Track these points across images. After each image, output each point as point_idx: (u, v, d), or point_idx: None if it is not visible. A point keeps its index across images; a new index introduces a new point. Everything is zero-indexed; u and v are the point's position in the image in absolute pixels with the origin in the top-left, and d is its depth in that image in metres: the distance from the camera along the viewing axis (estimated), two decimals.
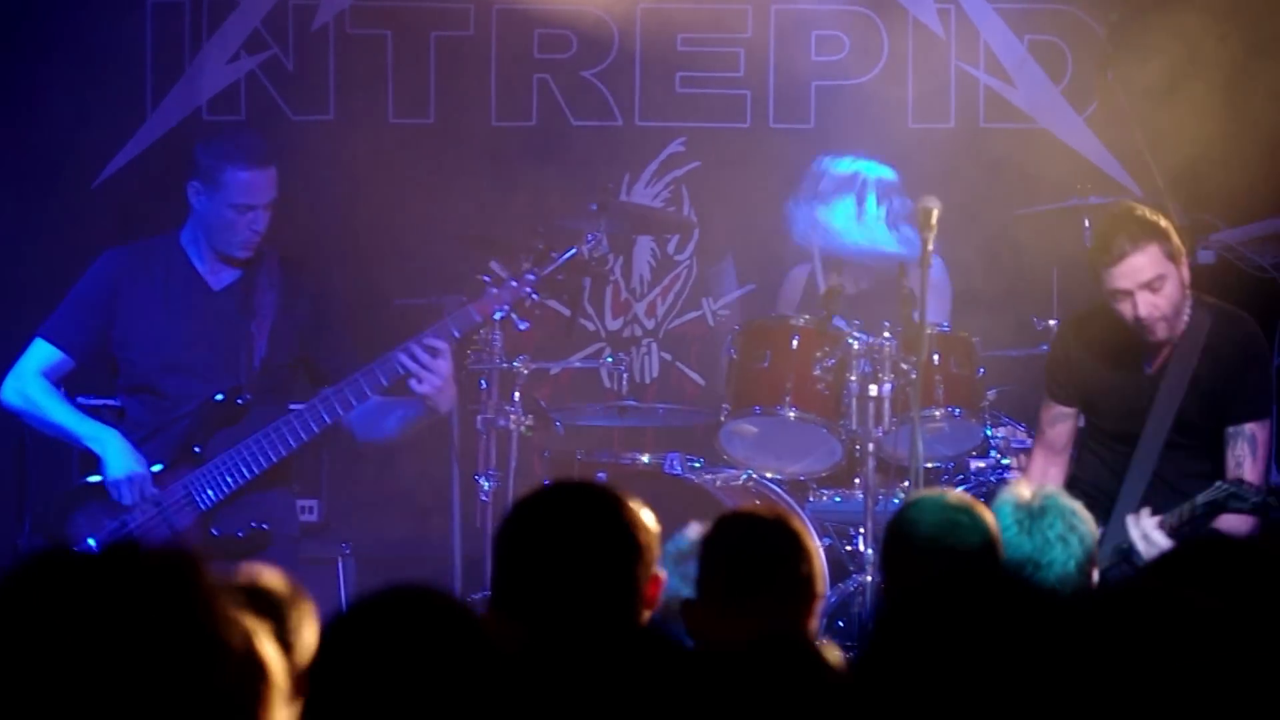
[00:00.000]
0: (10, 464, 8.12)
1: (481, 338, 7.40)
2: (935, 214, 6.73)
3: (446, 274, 8.17)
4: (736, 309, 9.15)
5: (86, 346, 6.67)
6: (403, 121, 9.09)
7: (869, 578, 7.11)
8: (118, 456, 6.50)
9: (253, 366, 6.60)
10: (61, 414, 6.64)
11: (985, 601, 2.50)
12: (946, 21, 9.11)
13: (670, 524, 4.32)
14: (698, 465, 7.66)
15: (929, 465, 7.26)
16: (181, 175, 6.69)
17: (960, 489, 7.15)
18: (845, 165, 8.11)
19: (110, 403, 6.89)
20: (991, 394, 7.60)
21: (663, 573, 3.75)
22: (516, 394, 7.58)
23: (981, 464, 7.68)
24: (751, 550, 4.25)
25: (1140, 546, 6.39)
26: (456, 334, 6.54)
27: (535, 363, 7.78)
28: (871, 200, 8.02)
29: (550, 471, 8.14)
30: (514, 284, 6.60)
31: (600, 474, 7.71)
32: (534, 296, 6.63)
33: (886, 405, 7.27)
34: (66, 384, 6.83)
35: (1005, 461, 7.67)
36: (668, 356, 9.27)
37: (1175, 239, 6.58)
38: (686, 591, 4.33)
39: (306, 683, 2.67)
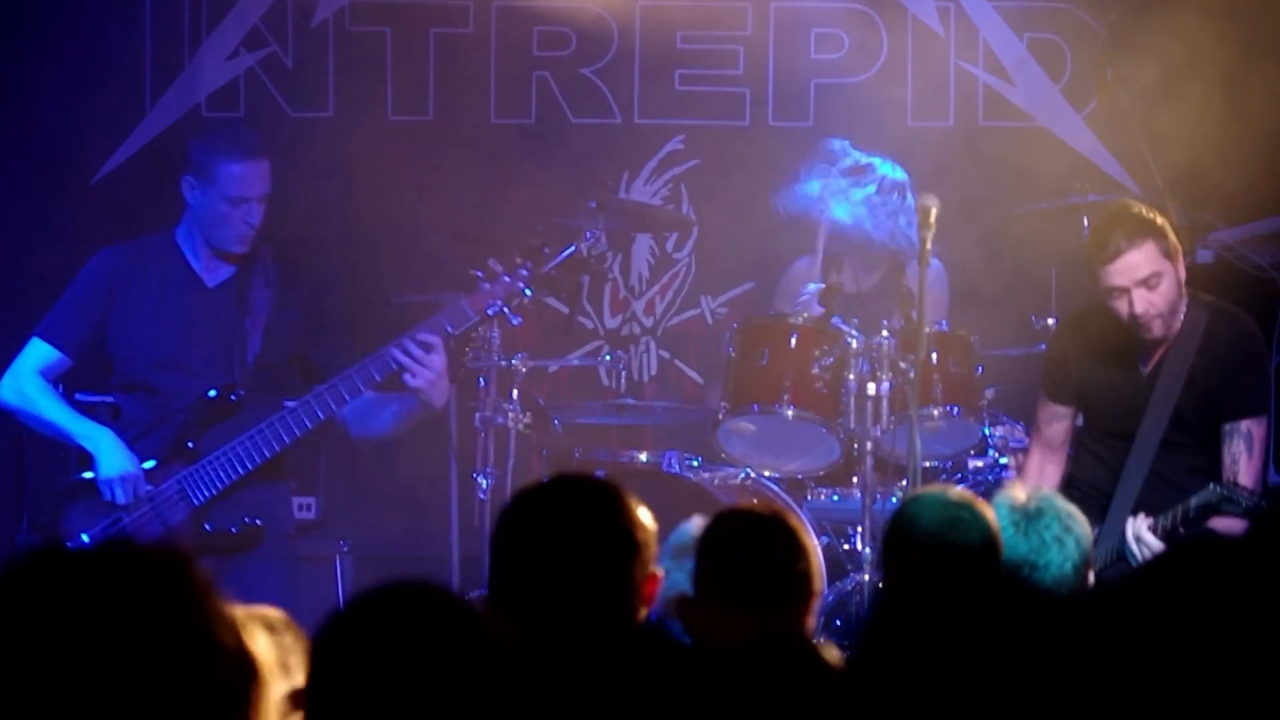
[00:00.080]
0: (9, 462, 8.11)
1: (480, 335, 7.40)
2: (934, 212, 6.74)
3: (446, 271, 8.16)
4: (735, 307, 9.15)
5: (83, 345, 6.66)
6: (402, 118, 9.08)
7: (867, 576, 7.11)
8: (110, 456, 6.49)
9: (247, 363, 6.59)
10: (56, 413, 6.63)
11: (982, 601, 2.50)
12: (946, 20, 9.10)
13: (668, 522, 4.31)
14: (696, 463, 7.65)
15: (927, 464, 7.24)
16: (180, 172, 6.69)
17: (959, 487, 7.14)
18: (864, 156, 8.10)
19: (106, 400, 6.89)
20: (990, 393, 7.59)
21: (660, 570, 3.74)
22: (515, 392, 7.58)
23: (980, 463, 7.67)
24: (749, 548, 4.24)
25: (1133, 549, 6.40)
26: (450, 329, 6.52)
27: (533, 360, 7.78)
28: (894, 196, 8.01)
29: (548, 469, 8.12)
30: (507, 279, 6.58)
31: (598, 472, 7.70)
32: (527, 292, 6.61)
33: (885, 404, 7.26)
34: (63, 380, 6.84)
35: (1003, 460, 7.66)
36: (666, 354, 9.26)
37: (1172, 236, 6.58)
38: (688, 586, 4.33)
39: (303, 699, 2.68)
